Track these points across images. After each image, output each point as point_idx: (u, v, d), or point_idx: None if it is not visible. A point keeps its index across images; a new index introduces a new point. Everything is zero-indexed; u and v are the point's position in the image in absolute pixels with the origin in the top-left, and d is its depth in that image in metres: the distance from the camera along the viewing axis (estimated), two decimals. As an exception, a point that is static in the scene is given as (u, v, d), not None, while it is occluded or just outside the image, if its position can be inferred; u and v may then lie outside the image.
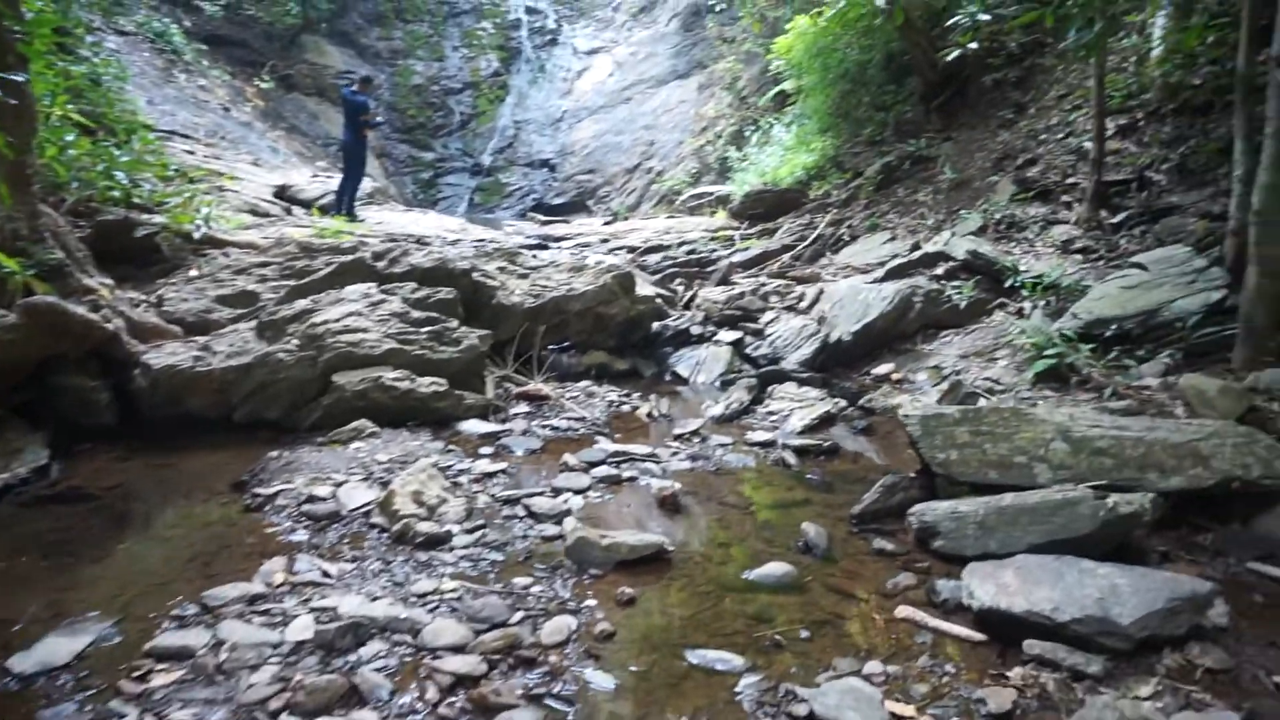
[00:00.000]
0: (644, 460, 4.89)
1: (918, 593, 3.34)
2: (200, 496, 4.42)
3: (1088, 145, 8.46)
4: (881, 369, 7.29)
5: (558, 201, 20.91)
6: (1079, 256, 7.89)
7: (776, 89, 14.43)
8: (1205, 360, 5.93)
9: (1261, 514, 3.92)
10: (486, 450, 5.06)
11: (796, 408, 6.05)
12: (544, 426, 5.55)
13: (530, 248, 11.61)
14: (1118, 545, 3.46)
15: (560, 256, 9.16)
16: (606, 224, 15.47)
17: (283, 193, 12.63)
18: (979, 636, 2.97)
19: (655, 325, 7.76)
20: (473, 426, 5.43)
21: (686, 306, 8.80)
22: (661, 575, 3.46)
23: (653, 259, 10.96)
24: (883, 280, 8.23)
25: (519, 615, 3.07)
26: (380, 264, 6.57)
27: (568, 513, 4.06)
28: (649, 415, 5.96)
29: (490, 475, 4.57)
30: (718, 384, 6.99)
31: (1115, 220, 8.05)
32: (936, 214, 10.01)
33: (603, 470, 4.67)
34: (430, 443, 5.05)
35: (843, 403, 6.21)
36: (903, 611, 3.14)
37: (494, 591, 3.26)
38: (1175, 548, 3.75)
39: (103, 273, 6.05)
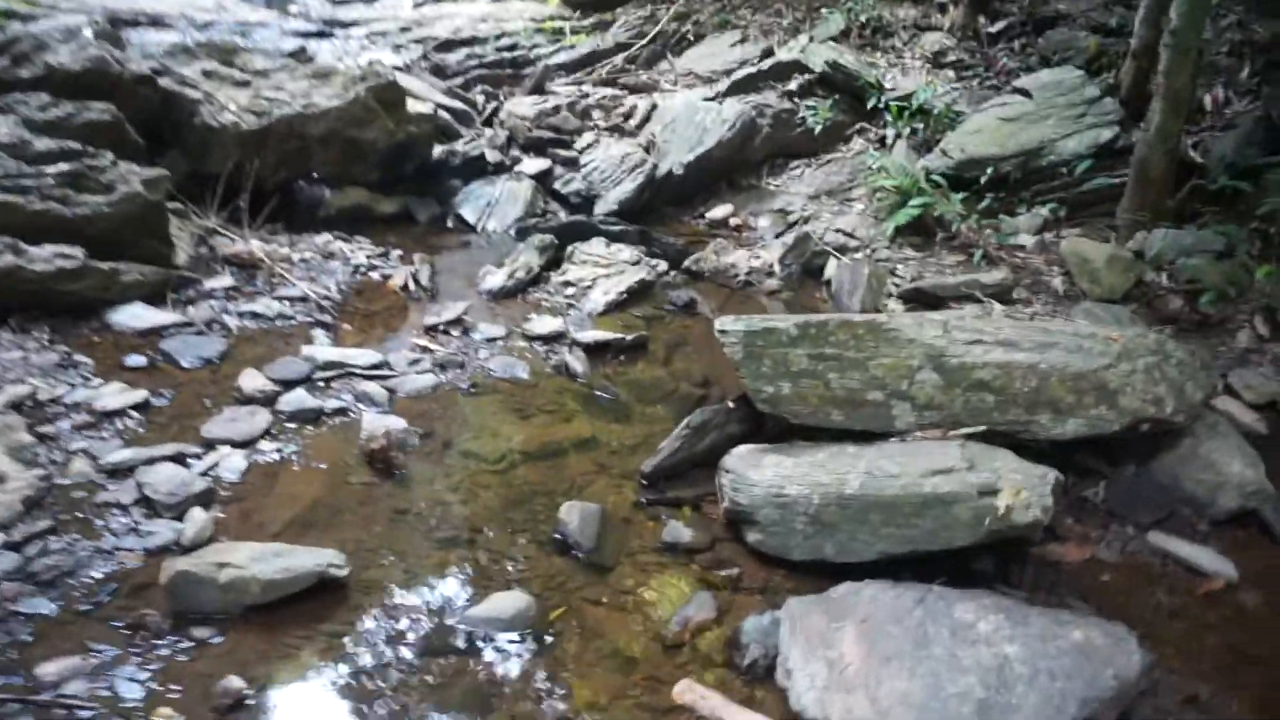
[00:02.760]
0: (367, 375, 3.42)
1: (714, 636, 2.21)
2: None
3: (973, -71, 7.00)
4: (718, 212, 5.97)
5: (373, -23, 17.40)
6: (951, 73, 6.67)
7: None
8: (1089, 212, 5.03)
9: (1162, 452, 3.03)
10: (137, 360, 3.43)
11: (602, 275, 4.67)
12: (243, 313, 3.92)
13: (306, 35, 9.16)
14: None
15: (318, 56, 6.96)
16: (417, 7, 12.75)
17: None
18: (797, 738, 1.90)
19: (438, 151, 5.95)
20: (132, 317, 3.73)
21: (488, 123, 6.99)
22: (317, 629, 2.15)
23: (455, 56, 8.80)
24: (726, 95, 6.72)
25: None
26: (-4, 62, 4.42)
27: (206, 496, 2.61)
28: (404, 288, 4.41)
29: (114, 414, 3.00)
30: (513, 232, 5.45)
31: (994, 29, 6.83)
32: (795, 11, 8.38)
33: (297, 397, 3.18)
34: (40, 353, 3.35)
35: (663, 265, 4.88)
36: (682, 694, 1.99)
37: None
38: (1062, 512, 2.82)
39: None
